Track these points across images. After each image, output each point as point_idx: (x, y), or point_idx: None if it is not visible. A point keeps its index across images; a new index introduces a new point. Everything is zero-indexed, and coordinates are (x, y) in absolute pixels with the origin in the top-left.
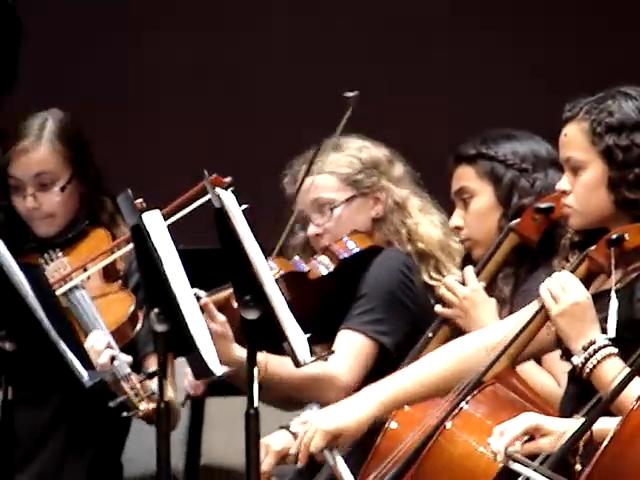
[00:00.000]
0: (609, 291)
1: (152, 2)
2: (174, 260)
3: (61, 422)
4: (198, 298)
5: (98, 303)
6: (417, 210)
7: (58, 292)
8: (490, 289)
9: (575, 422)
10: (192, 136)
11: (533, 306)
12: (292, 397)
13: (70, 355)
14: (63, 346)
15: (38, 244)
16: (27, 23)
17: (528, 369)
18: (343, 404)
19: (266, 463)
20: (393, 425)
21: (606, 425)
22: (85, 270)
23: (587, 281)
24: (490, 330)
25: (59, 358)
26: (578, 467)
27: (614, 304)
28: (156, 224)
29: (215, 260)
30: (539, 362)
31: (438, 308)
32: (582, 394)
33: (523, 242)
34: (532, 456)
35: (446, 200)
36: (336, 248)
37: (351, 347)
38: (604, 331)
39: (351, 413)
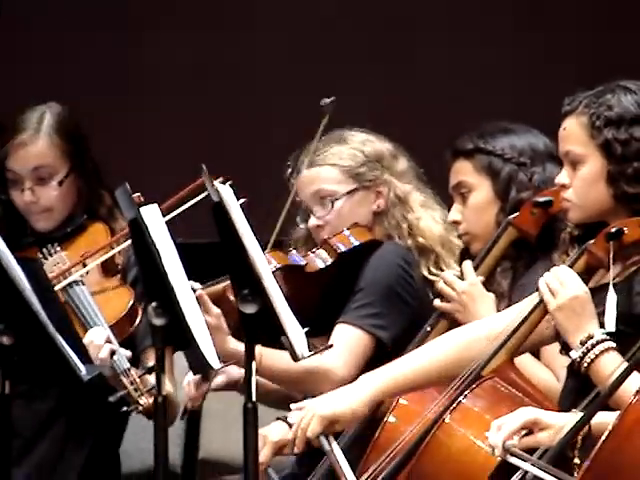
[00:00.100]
0: (608, 285)
1: (152, 2)
2: (172, 254)
3: (59, 416)
4: (193, 290)
5: (97, 298)
6: (419, 205)
7: (57, 287)
8: (488, 283)
9: (573, 416)
10: (192, 136)
11: (533, 299)
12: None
13: (68, 349)
14: (61, 340)
15: (36, 238)
16: (27, 23)
17: (526, 363)
18: (340, 391)
19: (263, 454)
20: (392, 419)
21: (605, 419)
22: (84, 265)
23: (586, 275)
24: (491, 320)
25: (57, 352)
26: (577, 461)
27: (613, 298)
28: (154, 218)
29: (213, 254)
30: (537, 356)
31: (437, 302)
32: (581, 388)
33: (521, 236)
34: (530, 450)
35: (444, 195)
36: (334, 242)
37: (347, 341)
38: (603, 325)
39: (348, 399)
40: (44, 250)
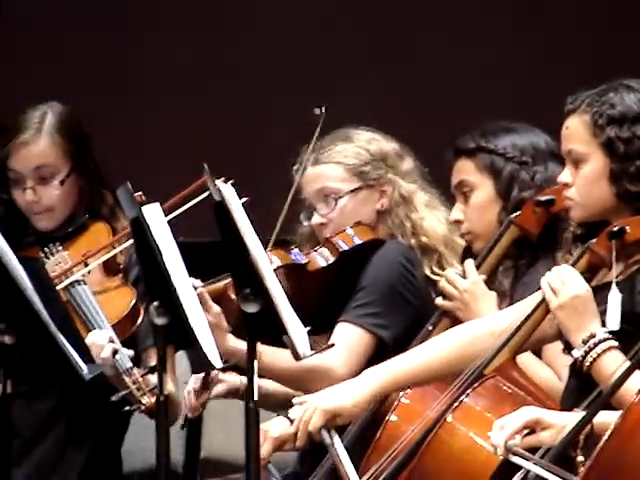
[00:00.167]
0: (610, 284)
1: (152, 2)
2: (174, 253)
3: (60, 416)
4: (194, 288)
5: (99, 297)
6: (423, 205)
7: (59, 286)
8: (490, 282)
9: (576, 416)
10: (192, 136)
11: (536, 297)
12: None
13: (70, 348)
14: (62, 339)
15: (38, 238)
16: (27, 23)
17: (528, 362)
18: (343, 385)
19: (264, 449)
20: (393, 418)
21: (607, 418)
22: (86, 265)
23: (589, 274)
24: (494, 317)
25: (58, 351)
26: (580, 459)
27: (617, 296)
28: (156, 217)
29: (215, 253)
30: (539, 355)
31: (439, 301)
32: (583, 388)
33: (523, 235)
34: (532, 449)
35: (445, 194)
36: (337, 240)
37: (348, 340)
38: (605, 324)
39: (350, 393)
40: (46, 249)
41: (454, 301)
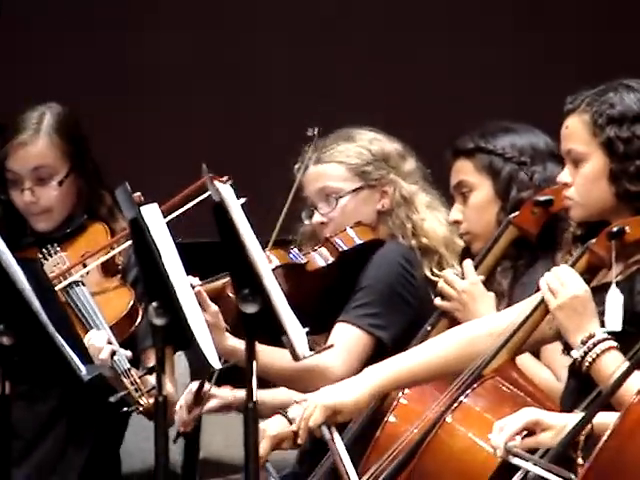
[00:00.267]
0: (609, 284)
1: (152, 2)
2: (172, 253)
3: (60, 417)
4: (192, 287)
5: (97, 298)
6: (424, 206)
7: (57, 287)
8: (488, 282)
9: (575, 417)
10: (192, 136)
11: (535, 298)
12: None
13: (68, 349)
14: (61, 340)
15: (36, 239)
16: (27, 23)
17: (527, 363)
18: (343, 383)
19: (261, 448)
20: (392, 419)
21: (608, 420)
22: (84, 265)
23: (589, 274)
24: (493, 317)
25: (57, 352)
26: (580, 461)
27: (618, 297)
28: (154, 217)
29: (214, 253)
30: (538, 356)
31: (437, 301)
32: (582, 388)
33: (522, 235)
34: (532, 451)
35: (444, 194)
36: (336, 240)
37: (346, 340)
38: (604, 324)
39: (351, 391)
40: (44, 250)
41: (452, 302)
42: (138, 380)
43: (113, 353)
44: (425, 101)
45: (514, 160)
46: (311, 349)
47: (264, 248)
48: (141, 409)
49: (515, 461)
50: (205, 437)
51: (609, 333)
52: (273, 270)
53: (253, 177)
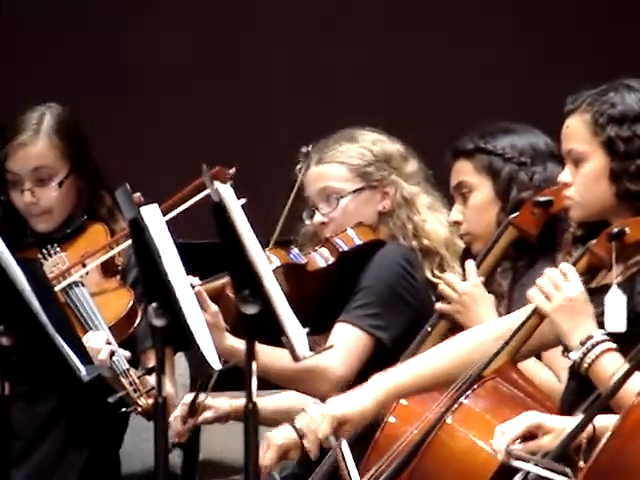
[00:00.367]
0: (609, 285)
1: (152, 2)
2: (172, 254)
3: (60, 417)
4: (192, 287)
5: (97, 299)
6: (425, 207)
7: (57, 288)
8: (488, 283)
9: (577, 420)
10: (192, 136)
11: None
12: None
13: (67, 350)
14: (60, 341)
15: (36, 239)
16: (27, 23)
17: (528, 364)
18: (350, 393)
19: (268, 458)
20: (392, 420)
21: (609, 422)
22: (84, 266)
23: (589, 275)
24: (498, 322)
25: (56, 353)
26: (581, 464)
27: (620, 298)
28: (154, 218)
29: (214, 254)
30: (539, 357)
31: (437, 305)
32: (582, 390)
33: (522, 236)
34: (533, 454)
35: (444, 195)
36: (337, 240)
37: (346, 341)
38: (602, 325)
39: (357, 401)
40: (44, 251)
41: (453, 304)
42: (137, 381)
43: (112, 353)
44: (425, 101)
45: (514, 161)
46: (311, 349)
47: (264, 248)
48: (140, 410)
49: (517, 464)
50: (205, 438)
51: (611, 334)
52: (273, 270)
53: (253, 177)
